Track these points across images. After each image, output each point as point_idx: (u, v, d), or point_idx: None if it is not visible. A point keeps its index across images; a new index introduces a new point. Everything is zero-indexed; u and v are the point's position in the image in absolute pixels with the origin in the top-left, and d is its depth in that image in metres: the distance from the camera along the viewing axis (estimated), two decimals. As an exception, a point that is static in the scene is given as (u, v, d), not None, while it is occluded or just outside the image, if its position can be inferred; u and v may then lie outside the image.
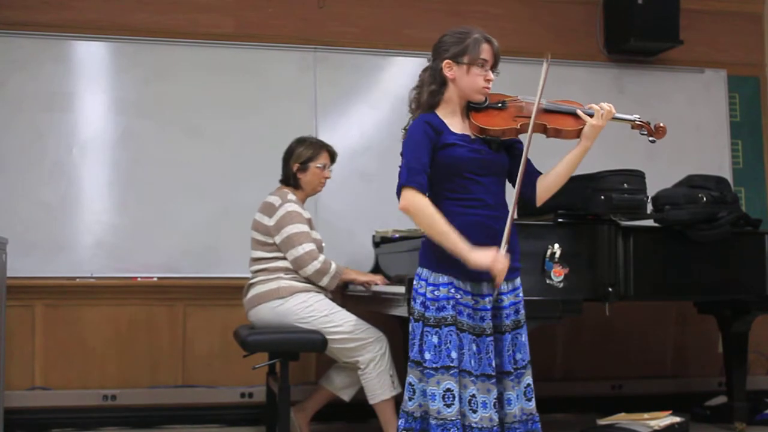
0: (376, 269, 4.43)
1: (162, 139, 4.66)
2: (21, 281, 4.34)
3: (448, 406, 2.58)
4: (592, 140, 2.72)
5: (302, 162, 3.98)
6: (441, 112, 2.73)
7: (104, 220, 4.58)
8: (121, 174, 4.63)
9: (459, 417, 2.59)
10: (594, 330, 4.90)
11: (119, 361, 4.55)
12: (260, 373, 4.11)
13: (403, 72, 4.94)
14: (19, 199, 4.49)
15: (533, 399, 2.73)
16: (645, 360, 5.08)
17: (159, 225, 4.60)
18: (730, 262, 3.93)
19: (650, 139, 2.88)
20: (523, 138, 2.73)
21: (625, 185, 3.68)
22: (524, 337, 2.73)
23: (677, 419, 3.95)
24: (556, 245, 3.45)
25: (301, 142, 4.03)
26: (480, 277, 2.65)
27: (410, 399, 2.69)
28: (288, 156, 4.02)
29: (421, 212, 2.61)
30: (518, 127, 2.72)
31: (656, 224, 3.89)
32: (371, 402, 3.73)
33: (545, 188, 2.77)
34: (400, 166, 2.68)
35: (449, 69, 2.70)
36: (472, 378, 2.62)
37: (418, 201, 2.61)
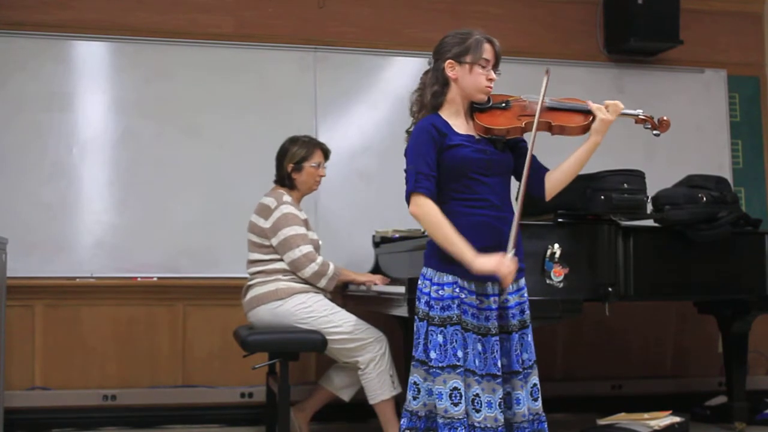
0: (376, 269, 4.43)
1: (162, 139, 4.67)
2: (21, 281, 4.34)
3: (456, 404, 2.58)
4: (602, 135, 2.73)
5: (296, 162, 3.97)
6: (444, 113, 2.74)
7: (104, 220, 4.58)
8: (121, 174, 4.63)
9: (466, 416, 2.59)
10: (594, 330, 4.91)
11: (119, 361, 4.55)
12: (260, 373, 4.11)
13: (403, 72, 4.94)
14: (19, 199, 4.49)
15: (539, 399, 2.74)
16: (645, 360, 5.08)
17: (159, 225, 4.60)
18: (730, 262, 3.93)
19: (654, 132, 2.89)
20: (528, 137, 2.75)
21: (625, 185, 3.68)
22: (530, 337, 2.75)
23: (677, 419, 3.95)
24: (556, 245, 3.45)
25: (294, 141, 4.01)
26: (484, 277, 2.65)
27: (414, 398, 2.69)
28: (281, 156, 4.00)
29: (428, 218, 2.64)
30: (522, 125, 2.73)
31: (656, 224, 3.89)
32: (371, 402, 3.73)
33: (554, 184, 2.78)
34: (406, 170, 2.69)
35: (451, 69, 2.71)
36: (476, 377, 2.62)
37: (426, 207, 2.63)
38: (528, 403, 2.70)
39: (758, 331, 4.49)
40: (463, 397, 2.59)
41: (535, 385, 2.73)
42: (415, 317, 2.71)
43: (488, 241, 2.65)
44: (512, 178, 2.82)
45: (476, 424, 2.60)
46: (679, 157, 5.02)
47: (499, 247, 2.67)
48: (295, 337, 3.70)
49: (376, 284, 3.97)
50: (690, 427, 4.07)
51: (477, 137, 2.73)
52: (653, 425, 3.88)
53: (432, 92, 2.74)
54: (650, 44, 5.13)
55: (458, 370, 2.60)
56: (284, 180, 3.99)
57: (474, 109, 2.77)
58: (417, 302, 2.72)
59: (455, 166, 2.66)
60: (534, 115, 2.70)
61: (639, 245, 3.72)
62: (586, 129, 2.76)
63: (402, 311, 3.41)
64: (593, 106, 2.76)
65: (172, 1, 4.77)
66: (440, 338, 2.62)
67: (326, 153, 4.06)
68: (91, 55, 4.69)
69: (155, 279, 4.58)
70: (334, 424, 4.46)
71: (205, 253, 4.61)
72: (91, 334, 4.53)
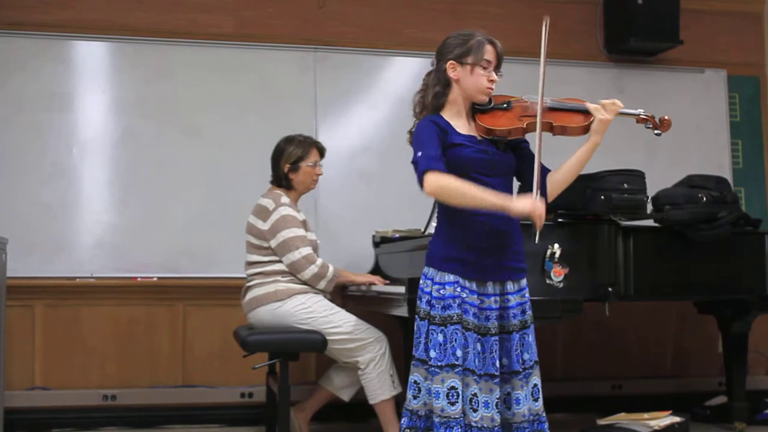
0: (376, 269, 4.43)
1: (162, 139, 4.67)
2: (21, 281, 4.34)
3: (452, 404, 2.59)
4: (601, 135, 2.74)
5: (293, 162, 3.96)
6: (446, 114, 2.75)
7: (104, 220, 4.58)
8: (121, 174, 4.63)
9: (463, 415, 2.60)
10: (594, 330, 4.91)
11: (119, 361, 4.55)
12: (260, 373, 4.11)
13: (403, 72, 4.94)
14: (19, 199, 4.49)
15: (540, 399, 2.74)
16: (645, 360, 5.08)
17: (159, 225, 4.60)
18: (730, 262, 3.94)
19: (656, 132, 2.89)
20: (529, 137, 2.76)
21: (625, 185, 3.68)
22: (531, 337, 2.75)
23: (677, 419, 3.95)
24: (556, 245, 3.45)
25: (289, 141, 3.99)
26: (485, 276, 2.67)
27: (415, 397, 2.69)
28: (277, 157, 3.99)
29: (449, 188, 2.60)
30: (524, 126, 2.73)
31: (656, 224, 3.89)
32: (371, 402, 3.73)
33: (556, 184, 2.79)
34: (414, 161, 2.65)
35: (453, 70, 2.72)
36: (475, 377, 2.63)
37: (442, 179, 2.59)
38: (528, 404, 2.71)
39: (758, 331, 4.49)
40: (461, 397, 2.60)
41: (535, 385, 2.73)
42: (416, 316, 2.72)
43: (489, 241, 2.67)
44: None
45: (473, 424, 2.61)
46: (679, 157, 5.02)
47: (499, 246, 2.69)
48: (295, 337, 3.70)
49: (375, 284, 3.97)
50: (690, 427, 4.07)
51: (479, 138, 2.73)
52: (653, 425, 3.88)
53: (434, 93, 2.74)
54: (650, 44, 5.13)
55: (456, 370, 2.60)
56: (281, 181, 3.99)
57: (475, 110, 2.78)
58: (418, 301, 2.72)
59: (457, 165, 2.65)
60: (535, 116, 2.71)
61: (639, 245, 3.72)
62: (587, 129, 2.77)
63: (402, 311, 3.41)
64: (591, 106, 2.76)
65: (172, 1, 4.77)
66: (440, 337, 2.63)
67: (322, 151, 4.06)
68: (91, 55, 4.69)
69: (155, 279, 4.58)
70: (334, 424, 4.46)
71: (205, 253, 4.61)
72: (91, 334, 4.53)
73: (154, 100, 4.68)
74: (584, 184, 3.60)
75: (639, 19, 4.99)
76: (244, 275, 3.99)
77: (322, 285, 3.85)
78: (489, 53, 2.71)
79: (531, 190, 2.80)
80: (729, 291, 3.98)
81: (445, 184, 2.59)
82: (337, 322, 3.76)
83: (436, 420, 2.61)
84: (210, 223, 4.61)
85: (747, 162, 5.42)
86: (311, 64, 4.87)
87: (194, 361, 4.62)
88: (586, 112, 2.77)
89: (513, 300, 2.72)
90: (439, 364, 2.61)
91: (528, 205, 2.56)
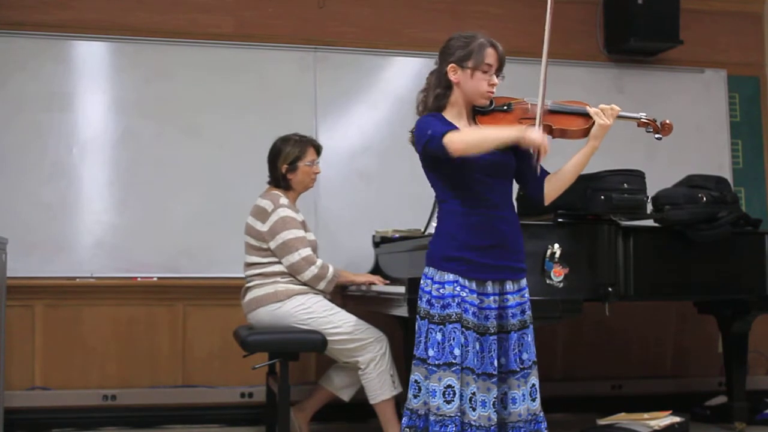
0: (376, 269, 4.43)
1: (162, 139, 4.67)
2: (21, 281, 4.34)
3: (448, 402, 2.60)
4: (600, 140, 2.74)
5: (290, 162, 3.95)
6: (447, 115, 2.76)
7: (104, 220, 4.58)
8: (121, 174, 4.63)
9: (458, 414, 2.61)
10: (594, 330, 4.91)
11: (119, 361, 4.55)
12: (260, 373, 4.11)
13: (403, 72, 4.94)
14: (19, 199, 4.49)
15: (538, 399, 2.75)
16: (645, 360, 5.08)
17: (159, 225, 4.60)
18: (730, 262, 3.93)
19: (656, 136, 2.89)
20: None
21: (625, 185, 3.68)
22: (530, 337, 2.75)
23: (677, 419, 3.95)
24: (556, 245, 3.45)
25: (285, 141, 3.98)
26: (485, 275, 2.68)
27: (415, 396, 2.70)
28: (274, 157, 3.97)
29: (471, 140, 2.61)
30: (526, 128, 2.73)
31: (656, 224, 3.89)
32: (372, 402, 3.73)
33: (553, 187, 2.80)
34: (428, 138, 2.63)
35: (453, 73, 2.73)
36: (474, 376, 2.63)
37: (462, 136, 2.60)
38: (527, 403, 2.71)
39: (758, 331, 4.49)
40: (457, 395, 2.60)
41: (533, 385, 2.74)
42: (417, 316, 2.73)
43: (488, 240, 2.68)
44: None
45: (472, 422, 2.62)
46: (679, 157, 5.01)
47: (499, 246, 2.69)
48: (295, 338, 3.70)
49: (375, 284, 3.97)
50: (690, 427, 4.07)
51: None
52: (653, 425, 3.88)
53: (435, 95, 2.76)
54: (650, 44, 5.13)
55: (453, 368, 2.61)
56: (279, 181, 3.97)
57: (476, 111, 2.79)
58: (419, 301, 2.73)
59: (457, 165, 2.66)
60: (536, 118, 2.71)
61: (639, 245, 3.72)
62: (586, 132, 2.77)
63: (402, 311, 3.41)
64: (591, 110, 2.76)
65: (172, 1, 4.77)
66: (439, 336, 2.64)
67: (318, 149, 4.05)
68: (91, 55, 4.69)
69: (155, 279, 4.58)
70: (334, 424, 4.46)
71: (205, 253, 4.61)
72: (91, 334, 4.53)
73: (154, 100, 4.68)
74: (584, 184, 3.60)
75: (639, 19, 4.99)
76: (244, 275, 3.99)
77: (322, 286, 3.85)
78: (490, 57, 2.71)
79: (531, 191, 2.81)
80: (729, 291, 3.98)
81: (467, 137, 2.61)
82: (337, 323, 3.76)
83: (432, 418, 2.62)
84: (210, 223, 4.61)
85: (747, 162, 5.42)
86: (311, 64, 4.87)
87: (194, 361, 4.62)
88: (587, 115, 2.77)
89: (512, 300, 2.72)
90: (436, 362, 2.63)
91: (538, 136, 2.58)
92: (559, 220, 3.56)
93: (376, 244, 4.52)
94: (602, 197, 3.63)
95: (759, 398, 4.66)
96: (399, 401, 3.58)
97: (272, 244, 3.83)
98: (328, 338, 3.70)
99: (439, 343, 2.63)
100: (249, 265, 3.92)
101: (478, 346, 2.66)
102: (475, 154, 2.64)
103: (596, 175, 3.68)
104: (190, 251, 4.61)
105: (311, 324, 3.75)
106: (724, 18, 5.43)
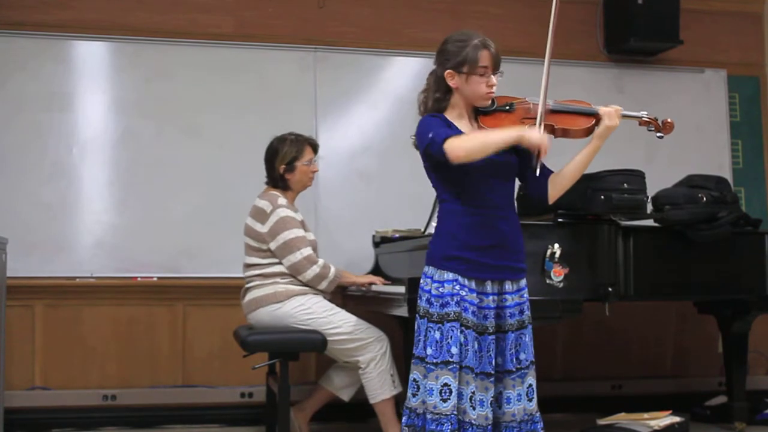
0: (376, 269, 4.43)
1: (162, 139, 4.67)
2: (21, 281, 4.34)
3: (445, 401, 2.61)
4: (603, 140, 2.75)
5: (288, 162, 3.94)
6: (449, 116, 2.76)
7: (104, 220, 4.58)
8: (121, 174, 4.63)
9: (455, 412, 2.61)
10: (594, 330, 4.91)
11: (119, 361, 4.55)
12: (260, 373, 4.11)
13: (403, 72, 4.94)
14: (19, 199, 4.49)
15: (534, 399, 2.75)
16: (645, 360, 5.08)
17: (159, 225, 4.60)
18: (730, 262, 3.93)
19: (658, 134, 2.90)
20: None
21: (625, 185, 3.68)
22: (528, 338, 2.76)
23: (677, 419, 3.95)
24: (556, 245, 3.45)
25: (282, 141, 3.96)
26: (484, 275, 2.68)
27: (414, 395, 2.71)
28: (271, 157, 3.96)
29: (472, 146, 2.60)
30: (526, 128, 2.73)
31: (656, 224, 3.89)
32: (372, 402, 3.73)
33: (557, 187, 2.80)
34: (428, 142, 2.63)
35: (451, 78, 2.73)
36: (473, 375, 2.64)
37: (462, 142, 2.60)
38: (523, 404, 2.71)
39: (758, 331, 4.49)
40: (454, 394, 2.61)
41: (530, 385, 2.74)
42: (417, 315, 2.73)
43: (488, 240, 2.68)
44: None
45: (472, 422, 2.62)
46: (679, 157, 5.02)
47: (500, 246, 2.69)
48: (295, 338, 3.70)
49: (374, 285, 3.96)
50: (690, 427, 4.07)
51: None
52: (653, 425, 3.88)
53: (434, 98, 2.76)
54: (650, 44, 5.13)
55: (450, 367, 2.61)
56: (277, 182, 3.97)
57: (478, 112, 2.79)
58: (419, 300, 2.74)
59: (460, 166, 2.66)
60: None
61: (639, 245, 3.72)
62: (589, 132, 2.77)
63: (402, 311, 3.41)
64: (603, 110, 2.76)
65: (172, 1, 4.77)
66: (437, 334, 2.65)
67: (315, 148, 4.04)
68: (91, 55, 4.69)
69: (155, 279, 4.58)
70: (334, 424, 4.46)
71: (205, 253, 4.61)
72: (91, 334, 4.53)
73: (154, 100, 4.68)
74: (584, 184, 3.59)
75: (639, 19, 4.99)
76: (243, 276, 3.99)
77: (323, 286, 3.85)
78: (484, 59, 2.70)
79: (534, 190, 2.81)
80: (729, 291, 3.98)
81: (467, 144, 2.60)
82: (337, 323, 3.76)
83: (428, 416, 2.63)
84: (210, 223, 4.61)
85: (747, 162, 5.42)
86: (311, 64, 4.87)
87: (194, 361, 4.62)
88: (590, 114, 2.77)
89: (510, 300, 2.72)
90: (434, 361, 2.63)
91: (538, 136, 2.58)
92: (559, 220, 3.56)
93: (376, 244, 4.52)
94: (602, 197, 3.63)
95: (759, 398, 4.66)
96: (399, 401, 3.58)
97: (273, 245, 3.83)
98: (329, 338, 3.70)
99: (437, 342, 2.64)
100: (248, 266, 3.92)
101: (476, 346, 2.66)
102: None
103: (596, 175, 3.68)
104: (190, 251, 4.61)
105: (311, 324, 3.75)
106: (724, 18, 5.43)
